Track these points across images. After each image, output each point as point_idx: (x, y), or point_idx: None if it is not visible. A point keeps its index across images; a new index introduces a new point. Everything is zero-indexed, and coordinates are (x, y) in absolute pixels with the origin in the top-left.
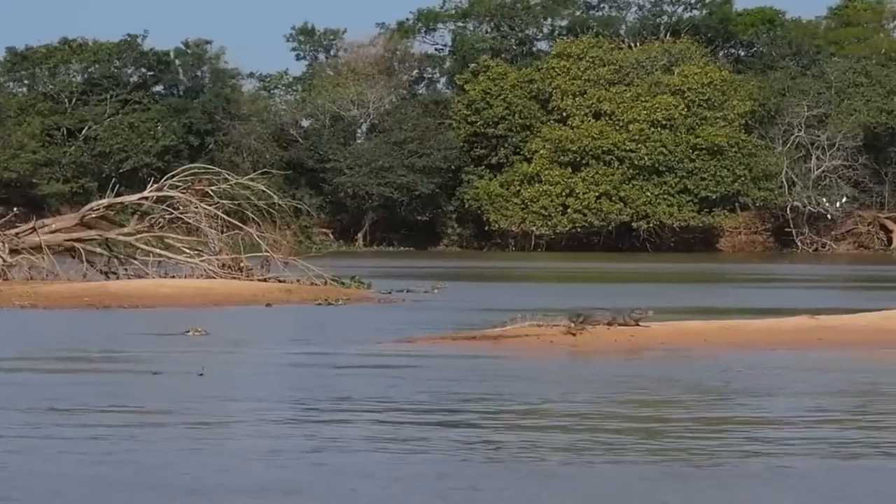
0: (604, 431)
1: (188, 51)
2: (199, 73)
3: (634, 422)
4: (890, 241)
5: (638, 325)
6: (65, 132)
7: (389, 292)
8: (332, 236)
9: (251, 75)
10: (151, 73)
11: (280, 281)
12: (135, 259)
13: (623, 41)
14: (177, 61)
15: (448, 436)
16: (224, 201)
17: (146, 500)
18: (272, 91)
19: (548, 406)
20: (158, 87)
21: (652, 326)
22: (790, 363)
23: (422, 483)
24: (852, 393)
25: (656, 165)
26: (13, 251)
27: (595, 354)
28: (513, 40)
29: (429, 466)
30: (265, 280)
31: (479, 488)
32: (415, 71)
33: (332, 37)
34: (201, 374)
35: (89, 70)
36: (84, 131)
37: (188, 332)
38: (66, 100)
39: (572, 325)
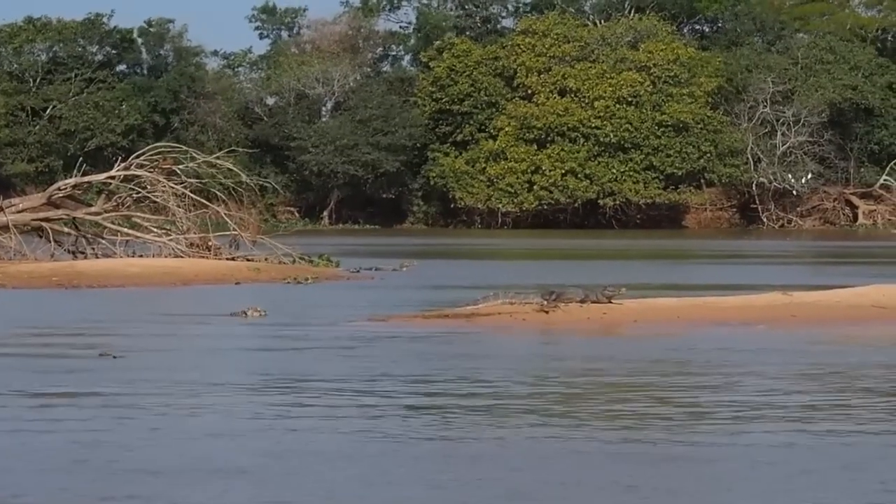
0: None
1: (151, 29)
2: (162, 52)
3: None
4: (855, 216)
5: (611, 302)
6: (29, 111)
7: (358, 270)
8: (297, 214)
9: (215, 53)
10: (115, 51)
11: (248, 259)
12: (102, 238)
13: (588, 18)
14: (140, 40)
15: (415, 419)
16: (191, 180)
17: (105, 482)
18: (236, 69)
19: (517, 388)
20: (122, 66)
21: (625, 303)
22: (771, 342)
23: (376, 466)
24: (822, 370)
25: (622, 142)
26: None
27: (568, 332)
28: (477, 18)
29: (384, 446)
30: (233, 259)
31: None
32: (379, 49)
33: (293, 15)
34: (115, 357)
35: (54, 49)
36: (49, 110)
37: (245, 311)
38: (30, 79)
39: (545, 302)
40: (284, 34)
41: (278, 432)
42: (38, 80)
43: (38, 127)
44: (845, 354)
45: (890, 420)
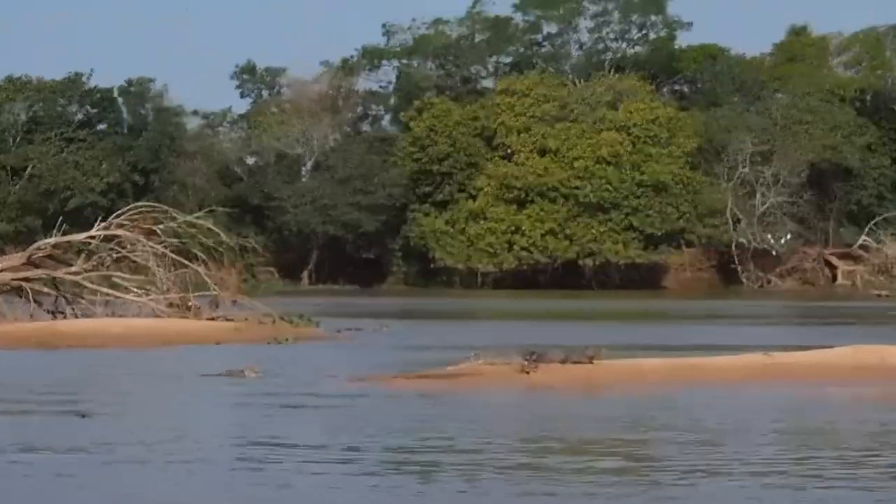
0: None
1: (132, 88)
2: (142, 111)
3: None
4: (835, 277)
5: (592, 362)
6: (9, 171)
7: (338, 331)
8: (277, 274)
9: (195, 113)
10: (96, 110)
11: (228, 320)
12: (83, 298)
13: (568, 77)
14: (120, 99)
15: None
16: (171, 240)
17: None
18: (216, 128)
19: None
20: (102, 125)
21: (605, 364)
22: (756, 403)
23: None
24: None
25: (602, 202)
26: None
27: (549, 393)
28: (457, 77)
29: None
30: (214, 319)
31: None
32: (359, 108)
33: (274, 74)
34: (83, 416)
35: (33, 108)
36: (28, 169)
37: (243, 370)
38: (9, 138)
39: (526, 363)
40: (265, 93)
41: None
42: (17, 139)
43: (17, 186)
44: (825, 414)
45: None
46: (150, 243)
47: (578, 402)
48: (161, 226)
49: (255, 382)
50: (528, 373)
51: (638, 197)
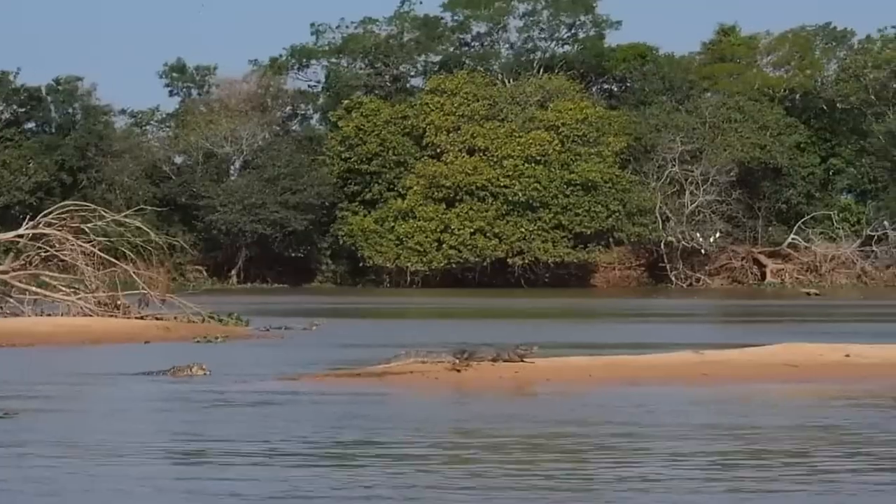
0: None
1: (60, 87)
2: (70, 110)
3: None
4: (763, 275)
5: (523, 360)
6: None
7: (267, 329)
8: (205, 273)
9: (123, 112)
10: (23, 109)
11: (157, 318)
12: (10, 297)
13: (497, 77)
14: (48, 98)
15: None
16: (99, 238)
17: None
18: (144, 127)
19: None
20: (30, 124)
21: (537, 362)
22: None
23: None
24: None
25: (531, 201)
26: None
27: (479, 392)
28: (387, 77)
29: None
30: (143, 318)
31: None
32: (288, 107)
33: (204, 73)
34: (5, 416)
35: None
36: None
37: (190, 367)
38: None
39: (457, 361)
40: (194, 92)
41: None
42: None
43: None
44: (754, 413)
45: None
46: (79, 242)
47: (508, 400)
48: (89, 224)
49: (186, 381)
50: (458, 371)
51: (567, 196)
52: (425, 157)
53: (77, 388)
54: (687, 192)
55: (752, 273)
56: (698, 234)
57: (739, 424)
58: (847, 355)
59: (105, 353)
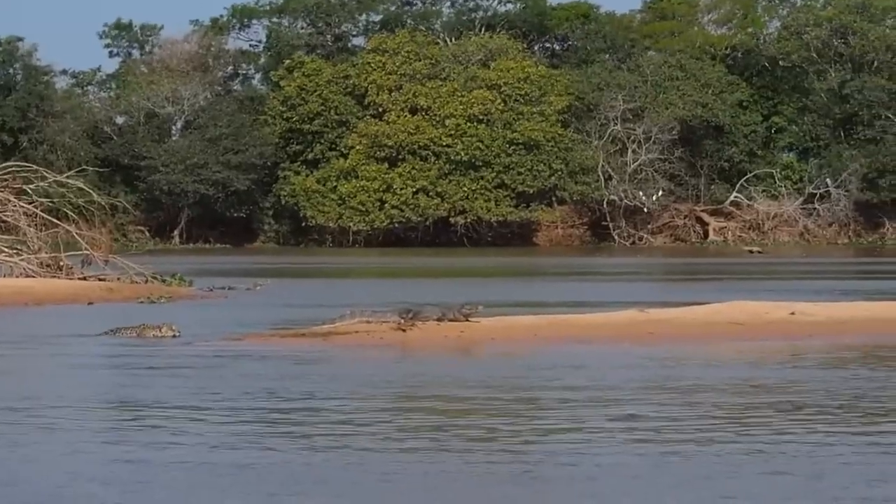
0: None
1: (0, 48)
2: (11, 71)
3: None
4: (706, 233)
5: (468, 320)
6: None
7: (211, 289)
8: (148, 234)
9: (64, 72)
10: None
11: (101, 279)
12: None
13: (439, 36)
14: None
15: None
16: (42, 199)
17: None
18: (85, 88)
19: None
20: None
21: (482, 321)
22: (629, 359)
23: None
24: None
25: (473, 160)
26: None
27: (424, 351)
28: (328, 36)
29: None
30: (85, 279)
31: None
32: (230, 67)
33: (148, 32)
34: None
35: None
36: None
37: (160, 327)
38: None
39: (402, 321)
40: (135, 52)
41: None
42: None
43: None
44: (697, 370)
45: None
46: (21, 203)
47: (453, 360)
48: (31, 186)
49: (134, 342)
50: (404, 331)
51: (510, 155)
52: (367, 117)
53: (23, 350)
54: (629, 151)
55: (694, 231)
56: (641, 193)
57: (680, 379)
58: (792, 313)
59: (50, 314)
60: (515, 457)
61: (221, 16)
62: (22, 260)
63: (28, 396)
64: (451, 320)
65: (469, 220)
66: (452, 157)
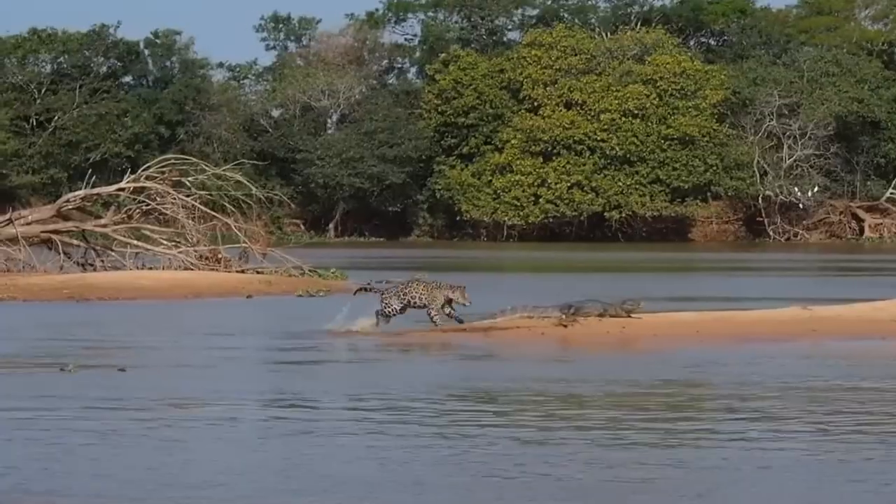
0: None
1: (157, 41)
2: (168, 64)
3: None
4: (862, 230)
5: (630, 316)
6: (34, 122)
7: (368, 283)
8: (303, 227)
9: (220, 65)
10: (121, 63)
11: (258, 272)
12: (112, 250)
13: (594, 31)
14: (146, 51)
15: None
16: (199, 192)
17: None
18: (241, 81)
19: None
20: (128, 78)
21: (643, 317)
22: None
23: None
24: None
25: (628, 155)
26: None
27: (586, 348)
28: (483, 30)
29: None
30: (243, 271)
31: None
32: (385, 61)
33: (305, 26)
34: (122, 370)
35: (58, 60)
36: (53, 121)
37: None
38: (34, 90)
39: (563, 317)
40: (292, 46)
41: (282, 449)
42: (42, 92)
43: (41, 139)
44: (871, 371)
45: None
46: (179, 196)
47: (615, 357)
48: (189, 178)
49: (291, 335)
50: (565, 326)
51: (664, 150)
52: (522, 111)
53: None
54: (785, 147)
55: (850, 228)
56: (796, 189)
57: (854, 380)
58: None
59: (209, 307)
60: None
61: (377, 9)
62: (180, 252)
63: (216, 392)
64: (612, 316)
65: (624, 215)
66: (607, 152)
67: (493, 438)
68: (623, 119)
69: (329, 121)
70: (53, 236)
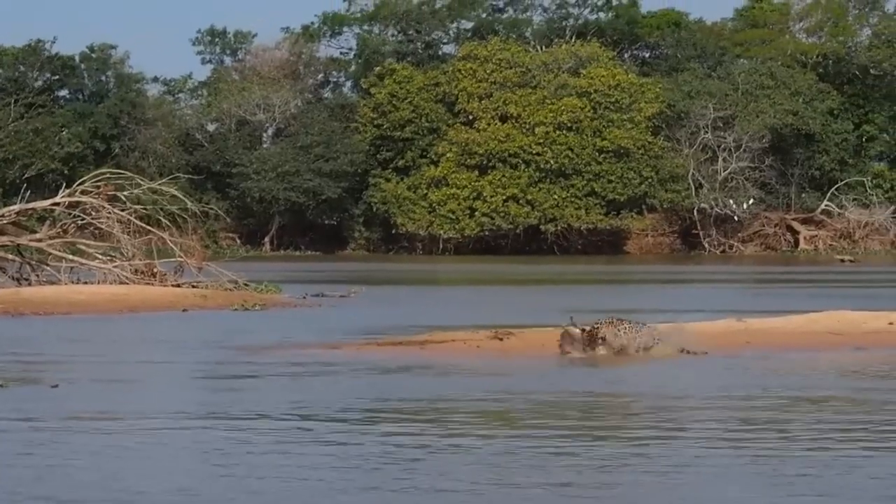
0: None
1: (93, 55)
2: (103, 78)
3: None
4: (797, 242)
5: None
6: None
7: (304, 297)
8: (238, 241)
9: (156, 79)
10: (56, 77)
11: (194, 286)
12: (47, 265)
13: (530, 44)
14: (82, 66)
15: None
16: (135, 206)
17: None
18: (177, 95)
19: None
20: (63, 92)
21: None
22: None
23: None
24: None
25: (563, 168)
26: None
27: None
28: (419, 43)
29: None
30: (179, 286)
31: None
32: (320, 75)
33: (241, 39)
34: (55, 386)
35: None
36: None
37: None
38: None
39: (498, 331)
40: (227, 60)
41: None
42: None
43: None
44: (801, 381)
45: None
46: (115, 210)
47: (534, 372)
48: (125, 192)
49: (220, 347)
50: (500, 339)
51: (599, 163)
52: (458, 124)
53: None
54: (720, 159)
55: (785, 240)
56: (731, 201)
57: (785, 392)
58: (891, 323)
59: (145, 321)
60: None
61: (312, 23)
62: (116, 267)
63: (131, 407)
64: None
65: (559, 227)
66: (542, 165)
67: (389, 451)
68: (558, 132)
69: (265, 135)
70: None
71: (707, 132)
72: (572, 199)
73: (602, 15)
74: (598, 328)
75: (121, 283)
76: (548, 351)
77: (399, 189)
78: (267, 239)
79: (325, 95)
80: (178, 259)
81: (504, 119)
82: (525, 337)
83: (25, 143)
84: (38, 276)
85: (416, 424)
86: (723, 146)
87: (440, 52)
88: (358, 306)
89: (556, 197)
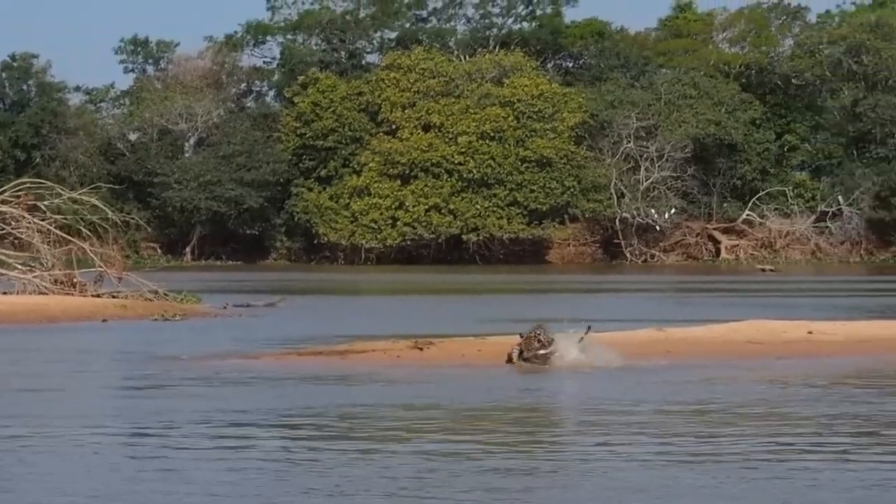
0: None
1: (14, 64)
2: (25, 87)
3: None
4: (718, 251)
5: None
6: None
7: (225, 307)
8: (160, 251)
9: (77, 89)
10: None
11: (114, 296)
12: None
13: (453, 53)
14: (3, 74)
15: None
16: (55, 216)
17: None
18: (99, 104)
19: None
20: None
21: (502, 340)
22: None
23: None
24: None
25: (485, 178)
26: None
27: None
28: (342, 53)
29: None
30: (99, 296)
31: None
32: (243, 84)
33: (164, 49)
34: None
35: None
36: None
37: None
38: None
39: (417, 341)
40: (150, 69)
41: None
42: None
43: None
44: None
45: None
46: (34, 220)
47: (454, 381)
48: (45, 202)
49: (150, 358)
50: (420, 349)
51: (522, 172)
52: (381, 134)
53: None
54: (642, 169)
55: (706, 249)
56: (653, 211)
57: (693, 400)
58: (810, 332)
59: (64, 331)
60: None
61: (236, 32)
62: (35, 276)
63: (51, 415)
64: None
65: (481, 237)
66: (465, 175)
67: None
68: (480, 142)
69: (186, 144)
70: None
71: (629, 142)
72: (494, 209)
73: (526, 25)
74: (532, 338)
75: (40, 293)
76: (468, 360)
77: (321, 199)
78: (188, 249)
79: (248, 105)
80: (99, 269)
81: (427, 128)
82: (445, 346)
83: None
84: None
85: (325, 430)
86: (645, 156)
87: (364, 62)
88: (279, 316)
89: (478, 206)
